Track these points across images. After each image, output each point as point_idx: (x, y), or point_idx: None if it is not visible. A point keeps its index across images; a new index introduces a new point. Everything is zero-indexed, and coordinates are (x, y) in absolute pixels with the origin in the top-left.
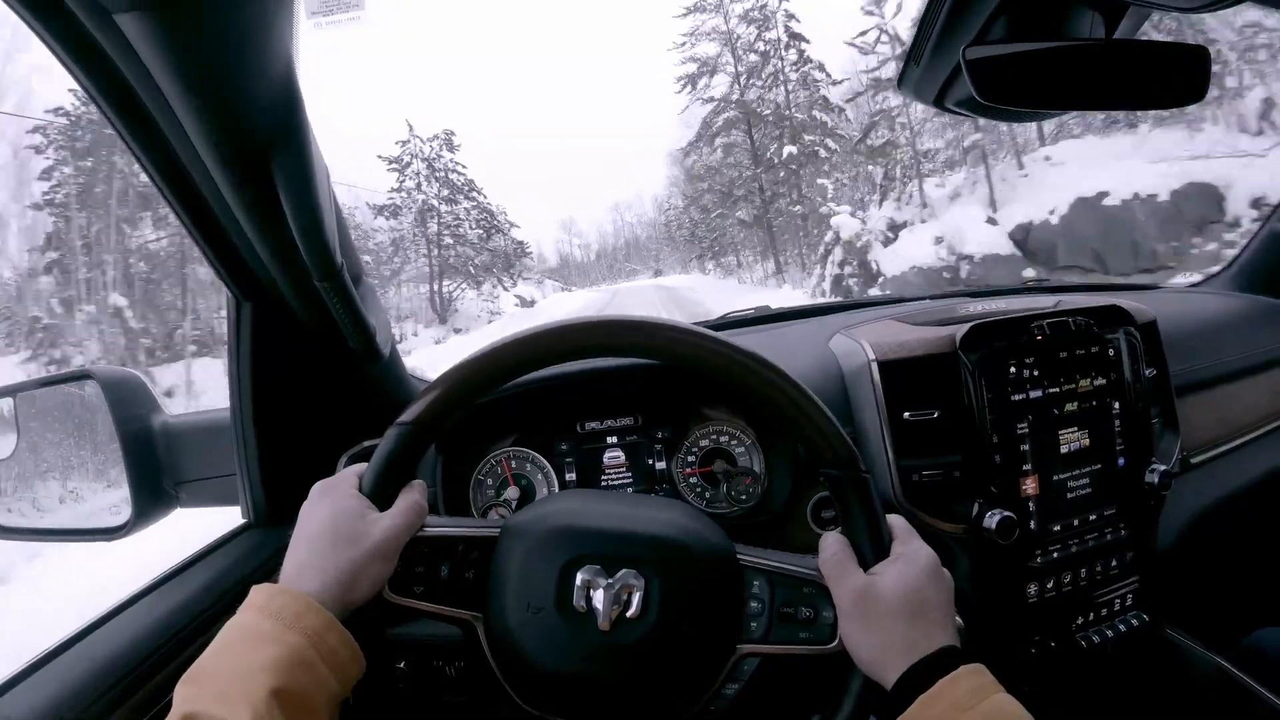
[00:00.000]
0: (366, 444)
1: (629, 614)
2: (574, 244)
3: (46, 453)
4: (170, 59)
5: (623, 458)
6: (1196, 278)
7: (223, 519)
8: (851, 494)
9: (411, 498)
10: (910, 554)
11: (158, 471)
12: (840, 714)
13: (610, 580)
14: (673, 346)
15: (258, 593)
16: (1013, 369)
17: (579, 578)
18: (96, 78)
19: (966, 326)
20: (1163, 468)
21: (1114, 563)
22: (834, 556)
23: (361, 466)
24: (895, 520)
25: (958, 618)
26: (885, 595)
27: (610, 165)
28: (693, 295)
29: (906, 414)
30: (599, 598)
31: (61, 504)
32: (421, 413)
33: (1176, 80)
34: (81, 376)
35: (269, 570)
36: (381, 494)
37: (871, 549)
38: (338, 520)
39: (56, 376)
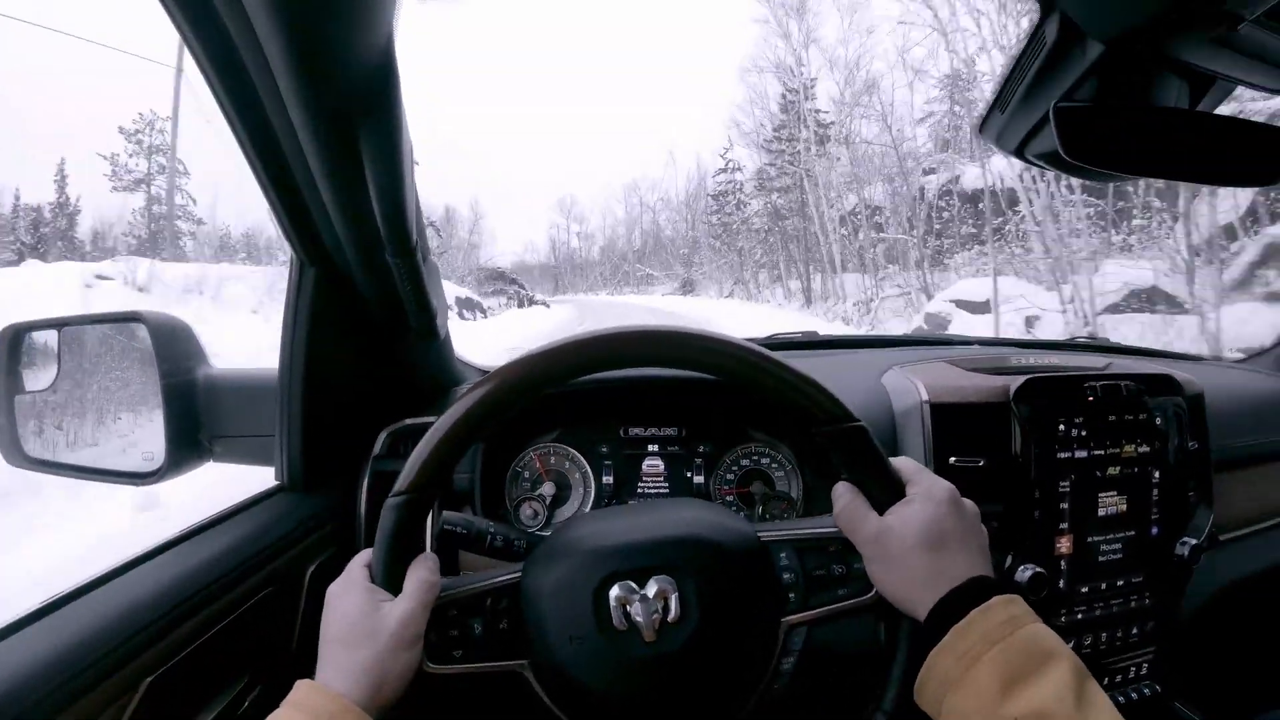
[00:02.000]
0: (409, 422)
1: (670, 619)
2: (571, 231)
3: (85, 390)
4: (274, 12)
5: (662, 467)
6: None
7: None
8: (851, 445)
9: (418, 576)
10: (925, 490)
11: (196, 423)
12: (898, 657)
13: (643, 591)
14: (644, 351)
15: (300, 688)
16: (1061, 426)
17: (613, 597)
18: (196, 24)
19: (1022, 379)
20: (1194, 541)
21: (1134, 630)
22: (848, 507)
23: (369, 554)
24: (904, 462)
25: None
26: (902, 532)
27: (631, 123)
28: None
29: (952, 459)
30: (637, 611)
31: (94, 443)
32: (415, 477)
33: (1260, 159)
34: (131, 318)
35: (297, 536)
36: (392, 579)
37: (883, 493)
38: (352, 620)
39: (106, 315)
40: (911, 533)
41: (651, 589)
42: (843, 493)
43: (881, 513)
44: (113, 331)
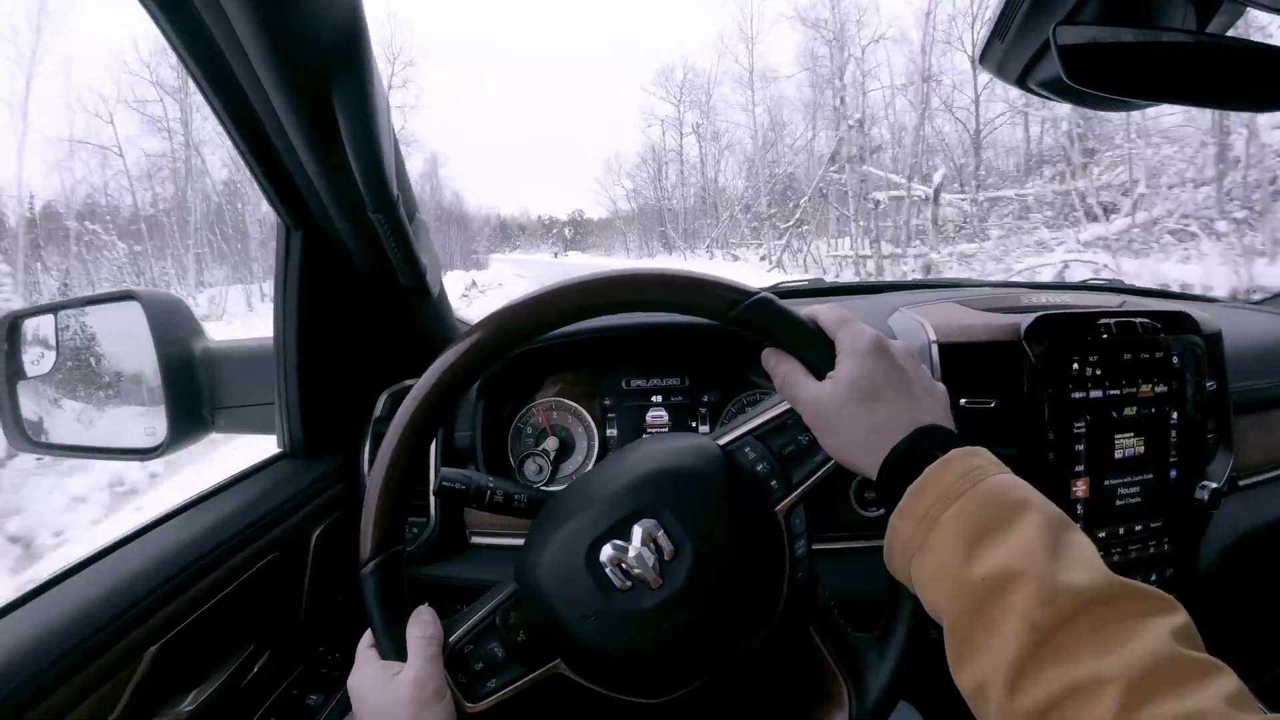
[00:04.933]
0: (407, 382)
1: (667, 558)
2: (683, 125)
3: (85, 371)
4: None
5: (666, 418)
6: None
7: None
8: (761, 318)
9: (414, 634)
10: (849, 344)
11: (196, 396)
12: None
13: (631, 543)
14: (544, 318)
15: None
16: (1075, 366)
17: (605, 561)
18: (162, 4)
19: (1033, 316)
20: (1214, 485)
21: (1154, 577)
22: (785, 378)
23: (370, 635)
24: (826, 314)
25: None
26: (833, 394)
27: None
28: None
29: (963, 400)
30: (632, 562)
31: (97, 422)
32: (372, 541)
33: (1271, 83)
34: (125, 297)
35: (301, 501)
36: (396, 646)
37: (814, 355)
38: (370, 704)
39: (99, 296)
40: (841, 393)
41: (636, 537)
42: (778, 362)
43: (820, 377)
44: (107, 312)
